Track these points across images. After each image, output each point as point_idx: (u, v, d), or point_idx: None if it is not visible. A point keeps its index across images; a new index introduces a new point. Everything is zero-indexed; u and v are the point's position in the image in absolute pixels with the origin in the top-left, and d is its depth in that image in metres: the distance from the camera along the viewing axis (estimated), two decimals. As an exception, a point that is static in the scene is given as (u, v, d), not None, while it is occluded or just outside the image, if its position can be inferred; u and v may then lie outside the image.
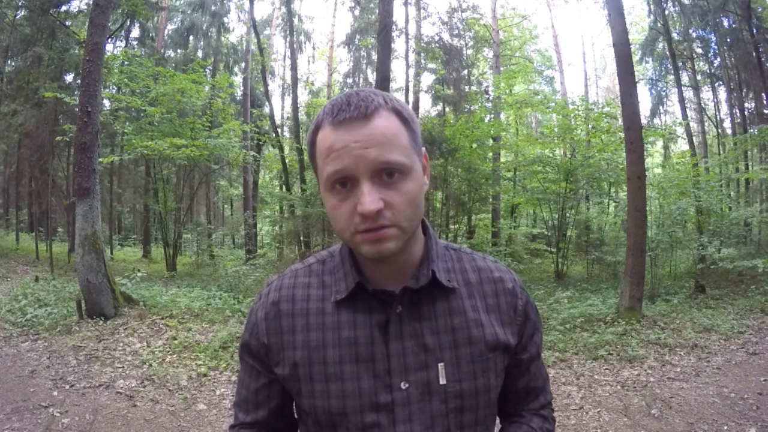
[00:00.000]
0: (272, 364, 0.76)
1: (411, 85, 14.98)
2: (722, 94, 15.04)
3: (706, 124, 16.61)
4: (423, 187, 0.70)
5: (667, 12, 13.40)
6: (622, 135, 6.73)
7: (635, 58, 14.38)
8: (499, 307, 0.78)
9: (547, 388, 0.88)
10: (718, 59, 13.82)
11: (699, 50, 14.38)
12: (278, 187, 17.27)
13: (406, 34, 14.32)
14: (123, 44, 14.71)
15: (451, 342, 0.73)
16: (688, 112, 15.13)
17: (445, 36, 14.90)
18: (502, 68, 16.12)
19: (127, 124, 10.82)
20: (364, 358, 0.71)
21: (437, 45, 14.39)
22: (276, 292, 0.78)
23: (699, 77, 14.96)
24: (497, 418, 0.84)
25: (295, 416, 0.85)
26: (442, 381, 0.71)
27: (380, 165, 0.63)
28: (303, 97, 20.33)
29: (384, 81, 6.77)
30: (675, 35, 13.91)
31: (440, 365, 0.72)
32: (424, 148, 0.73)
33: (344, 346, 0.72)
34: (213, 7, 16.56)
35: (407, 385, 0.70)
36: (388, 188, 0.65)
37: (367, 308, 0.73)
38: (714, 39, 13.40)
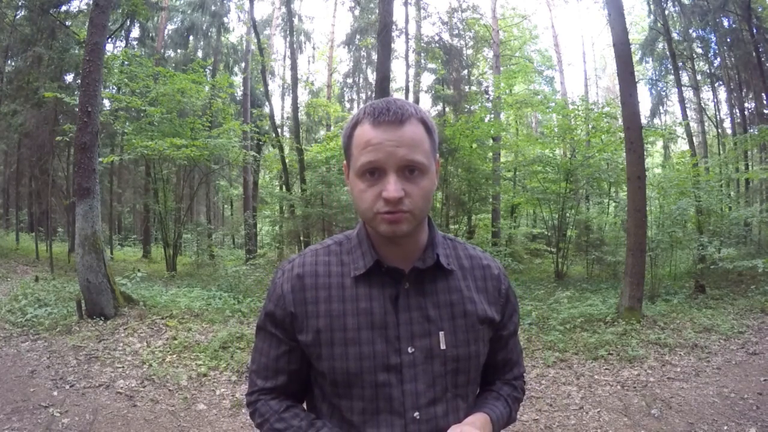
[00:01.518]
0: (296, 331, 0.86)
1: (411, 85, 14.99)
2: (722, 94, 15.06)
3: (706, 124, 16.60)
4: (434, 185, 0.83)
5: (667, 12, 13.39)
6: (622, 135, 6.73)
7: (635, 58, 14.37)
8: (487, 289, 0.93)
9: (520, 362, 1.03)
10: (718, 59, 13.82)
11: (699, 50, 14.37)
12: (278, 187, 17.27)
13: (406, 34, 14.33)
14: (123, 44, 14.71)
15: (449, 314, 0.86)
16: (688, 112, 15.12)
17: (445, 36, 14.92)
18: (502, 68, 16.11)
19: (127, 124, 10.80)
20: (379, 326, 0.83)
21: (437, 45, 14.39)
22: (300, 268, 0.88)
23: (699, 77, 14.96)
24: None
25: (309, 381, 0.94)
26: (443, 346, 0.84)
27: (406, 162, 0.77)
28: (303, 97, 20.35)
29: (384, 81, 6.76)
30: (675, 35, 13.90)
31: (441, 333, 0.84)
32: (437, 154, 0.87)
33: (362, 315, 0.83)
34: (213, 7, 16.54)
35: (413, 350, 0.83)
36: (409, 182, 0.78)
37: (380, 284, 0.85)
38: (714, 39, 13.40)
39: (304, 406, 0.96)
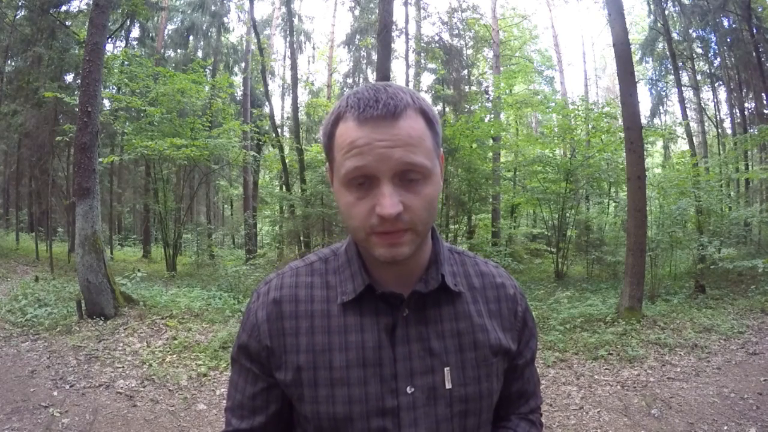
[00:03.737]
0: (273, 368, 0.73)
1: (411, 85, 14.98)
2: (722, 94, 15.08)
3: (706, 124, 16.62)
4: (439, 189, 0.69)
5: (667, 12, 13.40)
6: (622, 135, 6.73)
7: (635, 58, 14.38)
8: (501, 312, 0.78)
9: (537, 392, 0.88)
10: (718, 59, 13.83)
11: (699, 50, 14.39)
12: (278, 187, 17.27)
13: (406, 34, 14.34)
14: (123, 44, 14.71)
15: (456, 346, 0.72)
16: (688, 112, 15.13)
17: (445, 36, 14.92)
18: (502, 68, 16.11)
19: (127, 124, 10.82)
20: (371, 363, 0.70)
21: (437, 45, 14.39)
22: (277, 291, 0.75)
23: (699, 77, 14.97)
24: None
25: (293, 421, 0.82)
26: (448, 385, 0.71)
27: (403, 166, 0.62)
28: (303, 97, 20.35)
29: (384, 81, 6.76)
30: (675, 35, 13.91)
31: (446, 369, 0.71)
32: (441, 149, 0.72)
33: (351, 350, 0.70)
34: (213, 7, 16.55)
35: (413, 390, 0.70)
36: (408, 191, 0.63)
37: (373, 311, 0.71)
38: (714, 39, 13.41)
39: None
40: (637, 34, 17.92)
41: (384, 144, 0.61)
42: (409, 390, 0.69)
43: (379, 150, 0.61)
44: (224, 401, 3.68)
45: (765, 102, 12.08)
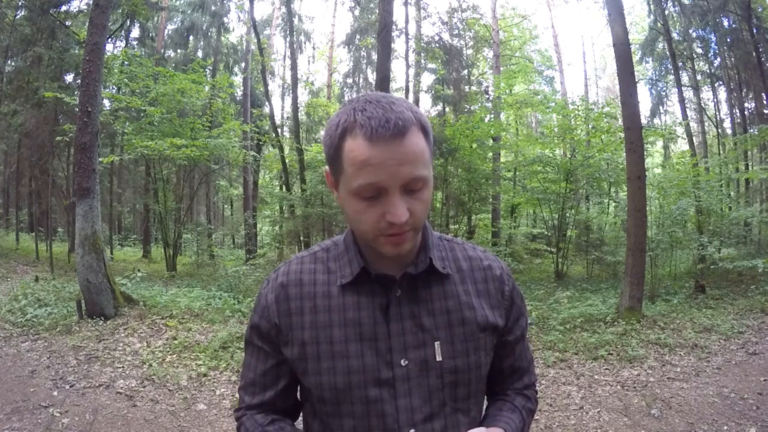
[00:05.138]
0: (281, 344, 0.81)
1: (411, 85, 14.98)
2: (722, 94, 15.07)
3: (706, 124, 16.60)
4: (432, 188, 0.77)
5: (667, 12, 13.40)
6: (622, 135, 6.73)
7: (635, 58, 14.37)
8: (489, 291, 0.85)
9: (531, 369, 0.95)
10: (718, 59, 13.82)
11: (699, 50, 14.38)
12: (278, 187, 17.25)
13: (406, 34, 14.32)
14: (123, 44, 14.69)
15: (446, 322, 0.80)
16: (688, 112, 15.12)
17: (445, 36, 14.91)
18: (502, 68, 16.11)
19: (127, 124, 10.80)
20: (368, 338, 0.77)
21: (437, 45, 14.39)
22: (284, 277, 0.84)
23: (699, 77, 14.96)
24: (485, 396, 0.91)
25: (301, 397, 0.89)
26: (438, 358, 0.78)
27: (410, 179, 0.69)
28: (303, 97, 20.34)
29: (384, 81, 6.76)
30: (675, 35, 13.90)
31: (436, 344, 0.78)
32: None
33: (349, 326, 0.78)
34: (213, 7, 16.54)
35: (407, 362, 0.77)
36: (411, 197, 0.72)
37: (369, 292, 0.79)
38: (714, 39, 13.41)
39: (299, 422, 0.92)
40: (637, 34, 17.91)
41: (394, 162, 0.68)
42: (403, 362, 0.77)
43: (391, 168, 0.68)
44: (224, 401, 3.69)
45: (765, 102, 12.08)
